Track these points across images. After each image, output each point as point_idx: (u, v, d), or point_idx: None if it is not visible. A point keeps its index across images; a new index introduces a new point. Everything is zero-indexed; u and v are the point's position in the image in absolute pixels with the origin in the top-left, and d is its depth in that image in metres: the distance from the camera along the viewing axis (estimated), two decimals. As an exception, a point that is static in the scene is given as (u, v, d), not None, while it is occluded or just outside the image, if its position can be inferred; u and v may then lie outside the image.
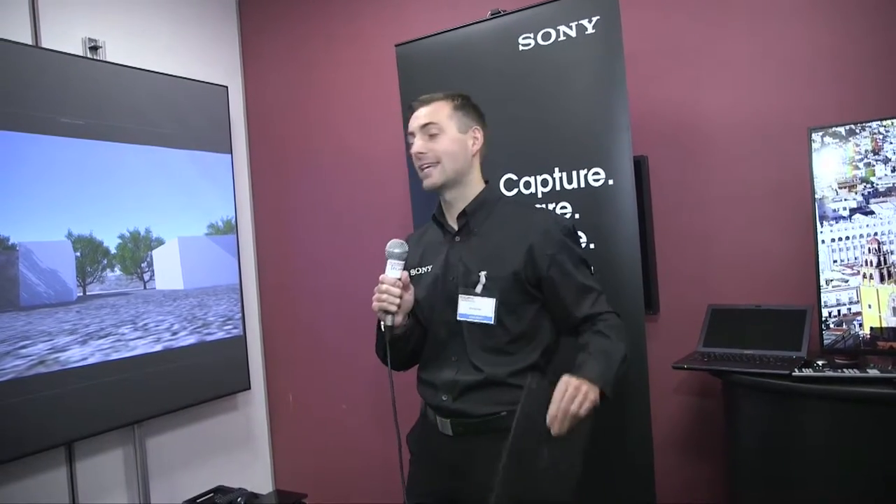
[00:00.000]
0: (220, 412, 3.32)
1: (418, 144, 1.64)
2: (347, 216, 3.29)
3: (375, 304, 1.58)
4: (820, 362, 1.90)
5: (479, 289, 1.58)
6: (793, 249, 2.26)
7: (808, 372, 1.84)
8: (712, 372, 2.10)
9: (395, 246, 1.60)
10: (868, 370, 1.80)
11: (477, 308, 1.56)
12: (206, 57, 3.36)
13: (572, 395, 1.37)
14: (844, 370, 1.82)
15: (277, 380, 3.60)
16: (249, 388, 3.33)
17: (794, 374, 1.85)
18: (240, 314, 3.28)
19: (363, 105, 3.20)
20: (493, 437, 1.50)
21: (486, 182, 1.77)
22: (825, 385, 1.80)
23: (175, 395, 2.94)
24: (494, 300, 1.57)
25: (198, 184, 3.12)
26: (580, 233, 2.24)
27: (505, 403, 1.55)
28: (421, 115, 1.67)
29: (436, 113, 1.66)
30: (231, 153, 3.28)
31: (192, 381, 3.02)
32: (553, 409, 1.37)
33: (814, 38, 2.25)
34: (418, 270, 1.68)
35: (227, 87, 3.27)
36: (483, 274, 1.58)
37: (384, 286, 1.58)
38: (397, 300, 1.57)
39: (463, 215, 1.68)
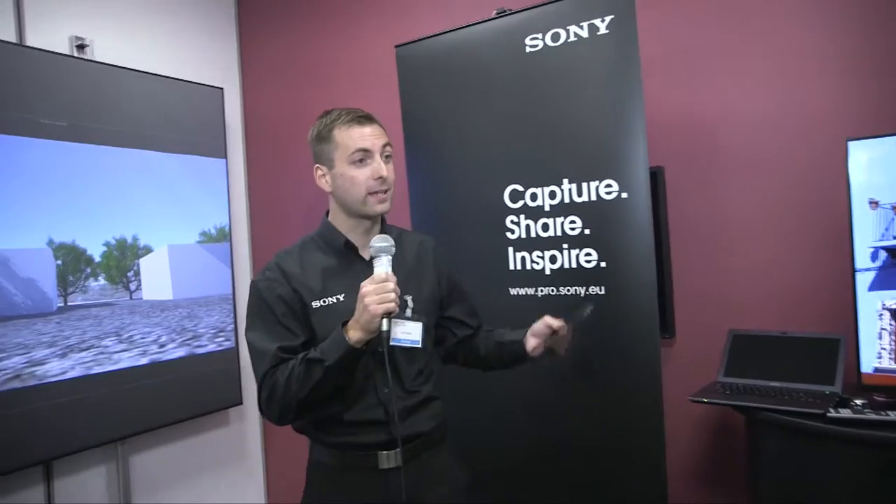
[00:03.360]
0: (211, 428, 3.18)
1: (385, 168, 1.52)
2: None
3: (381, 307, 1.36)
4: (859, 401, 1.69)
5: (408, 313, 1.54)
6: (823, 271, 2.07)
7: (845, 412, 1.65)
8: (735, 407, 1.90)
9: (382, 240, 1.44)
10: (914, 413, 1.61)
11: (408, 332, 1.52)
12: (202, 58, 3.22)
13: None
14: (889, 412, 1.62)
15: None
16: (242, 402, 3.18)
17: (829, 414, 1.65)
18: (232, 325, 3.14)
19: (364, 108, 3.03)
20: (438, 450, 1.59)
21: None
22: (865, 429, 1.60)
23: (162, 410, 2.80)
24: (421, 323, 1.54)
25: (190, 189, 2.98)
26: (591, 249, 2.07)
27: (440, 416, 1.62)
28: (378, 134, 1.54)
29: (385, 135, 1.57)
30: (226, 157, 3.14)
31: (180, 396, 2.87)
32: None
33: (850, 39, 2.05)
34: (324, 301, 1.50)
35: (222, 88, 3.13)
36: (409, 298, 1.54)
37: (390, 284, 1.39)
38: (395, 296, 1.41)
39: None
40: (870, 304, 1.79)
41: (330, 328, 1.46)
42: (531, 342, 1.62)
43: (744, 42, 2.22)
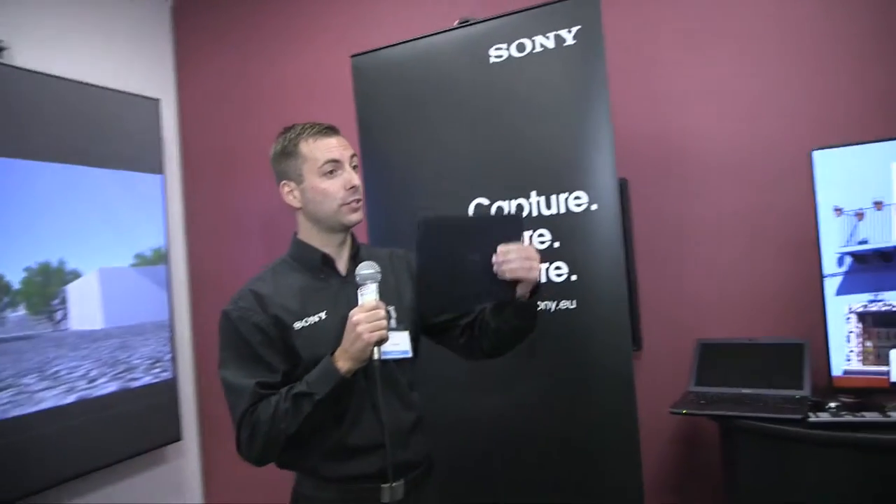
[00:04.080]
0: (146, 468, 2.92)
1: (356, 178, 1.51)
2: (294, 244, 2.99)
3: (374, 335, 1.33)
4: (833, 404, 1.73)
5: (393, 323, 1.47)
6: (786, 278, 2.13)
7: (824, 416, 1.67)
8: (714, 417, 1.90)
9: (368, 267, 1.39)
10: (890, 413, 1.64)
11: (396, 343, 1.46)
12: (135, 66, 3.02)
13: (533, 256, 1.39)
14: (863, 413, 1.65)
15: (214, 427, 3.22)
16: (181, 438, 2.94)
17: (810, 418, 1.67)
18: (170, 355, 2.91)
19: (313, 119, 2.93)
20: (432, 479, 1.54)
21: None
22: (844, 431, 1.63)
23: (92, 453, 2.54)
24: (408, 332, 1.50)
25: (123, 208, 2.76)
26: (561, 263, 2.04)
27: (430, 439, 1.56)
28: (345, 145, 1.53)
29: (349, 146, 1.55)
30: (163, 174, 2.93)
31: (112, 436, 2.62)
32: (516, 248, 1.37)
33: (814, 53, 2.14)
34: (306, 321, 1.45)
35: (159, 100, 2.93)
36: (392, 308, 1.48)
37: (381, 311, 1.35)
38: (386, 324, 1.37)
39: (354, 257, 1.55)
40: (837, 309, 1.85)
41: (315, 348, 1.41)
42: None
43: (708, 54, 2.27)
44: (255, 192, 3.11)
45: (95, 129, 2.66)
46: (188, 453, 3.14)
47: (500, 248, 1.38)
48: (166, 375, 2.88)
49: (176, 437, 2.92)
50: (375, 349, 1.34)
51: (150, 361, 2.82)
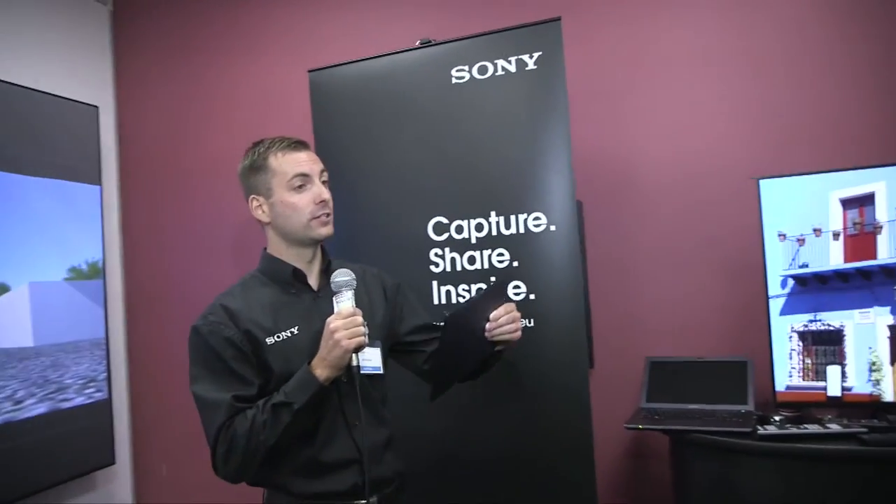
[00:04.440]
0: (74, 495, 2.74)
1: (326, 192, 1.51)
2: (239, 258, 2.90)
3: (353, 342, 1.33)
4: (777, 417, 1.84)
5: (365, 340, 1.46)
6: (732, 299, 2.24)
7: (772, 429, 1.78)
8: (667, 431, 1.97)
9: (344, 274, 1.40)
10: (828, 425, 1.76)
11: (368, 359, 1.47)
12: (72, 71, 2.87)
13: (518, 317, 1.49)
14: (806, 426, 1.76)
15: (148, 450, 3.07)
16: (114, 462, 2.79)
17: (758, 431, 1.76)
18: (105, 374, 2.76)
19: (264, 134, 2.87)
20: (405, 496, 1.54)
21: None
22: (790, 443, 1.73)
23: (17, 479, 2.37)
24: (379, 349, 1.52)
25: (57, 219, 2.61)
26: (520, 282, 2.07)
27: (402, 455, 1.56)
28: (314, 159, 1.53)
29: (319, 160, 1.55)
30: (100, 184, 2.80)
31: (40, 461, 2.46)
32: (504, 312, 1.47)
33: (760, 87, 2.27)
34: (278, 337, 1.43)
35: (97, 107, 2.80)
36: (365, 325, 1.45)
37: (358, 318, 1.35)
38: (364, 330, 1.37)
39: (325, 271, 1.54)
40: (781, 328, 1.96)
41: (287, 363, 1.40)
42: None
43: (661, 85, 2.38)
44: (197, 205, 3.02)
45: (29, 135, 2.52)
46: (121, 478, 2.98)
47: (493, 315, 1.46)
48: (100, 396, 2.73)
49: (109, 461, 2.76)
50: (354, 356, 1.34)
51: (83, 381, 2.66)
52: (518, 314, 1.49)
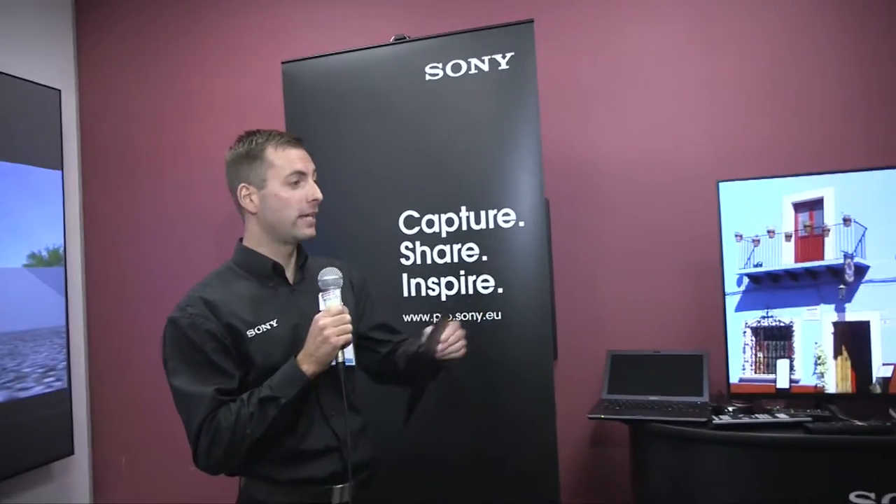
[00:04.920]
0: (30, 487, 2.69)
1: (319, 192, 1.53)
2: (201, 247, 2.87)
3: (341, 339, 1.38)
4: (730, 408, 1.94)
5: None
6: (690, 295, 2.34)
7: (726, 418, 1.87)
8: (627, 421, 2.06)
9: (332, 273, 1.44)
10: (777, 414, 1.87)
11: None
12: (32, 52, 2.79)
13: (463, 335, 1.61)
14: (756, 415, 1.87)
15: (107, 441, 3.03)
16: (73, 452, 2.74)
17: (714, 420, 1.86)
18: (64, 363, 2.71)
19: (233, 124, 2.84)
20: (378, 480, 1.59)
21: None
22: (742, 432, 1.83)
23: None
24: (350, 343, 1.54)
25: (16, 205, 2.55)
26: (488, 276, 2.12)
27: (374, 442, 1.61)
28: (309, 158, 1.55)
29: (312, 160, 1.56)
30: (62, 169, 2.73)
31: (-4, 451, 2.40)
32: (452, 332, 1.58)
33: (722, 92, 2.37)
34: (259, 329, 1.45)
35: (59, 90, 2.74)
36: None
37: (347, 316, 1.41)
38: (351, 328, 1.42)
39: (302, 267, 1.59)
40: (736, 324, 2.07)
41: (268, 356, 1.44)
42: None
43: (629, 89, 2.45)
44: (159, 192, 2.98)
45: (-14, 117, 2.45)
46: (79, 469, 2.93)
47: (443, 336, 1.56)
48: (59, 385, 2.68)
49: (68, 451, 2.71)
50: (340, 352, 1.39)
51: (42, 370, 2.61)
52: (463, 332, 1.61)
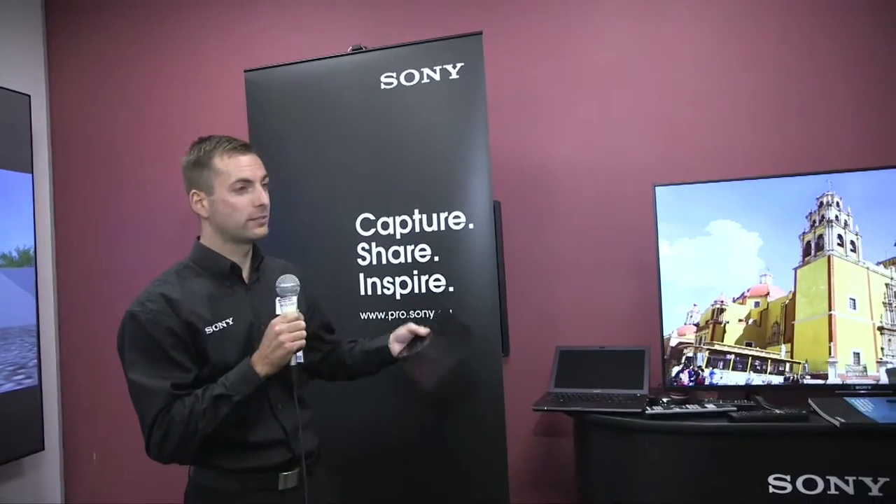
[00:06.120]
0: (2, 480, 2.76)
1: (265, 197, 1.59)
2: (171, 245, 2.93)
3: (295, 344, 1.47)
4: (665, 399, 2.06)
5: None
6: (633, 293, 2.46)
7: (658, 409, 1.99)
8: (568, 412, 2.17)
9: (290, 280, 1.51)
10: (706, 405, 1.99)
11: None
12: (5, 59, 2.87)
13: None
14: (687, 406, 1.99)
15: (78, 437, 3.10)
16: (43, 448, 2.81)
17: (647, 411, 1.97)
18: (35, 361, 2.78)
19: (199, 128, 2.92)
20: (321, 467, 1.67)
21: None
22: (674, 421, 1.95)
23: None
24: None
25: (-13, 207, 2.62)
26: (440, 275, 2.22)
27: (317, 432, 1.69)
28: (256, 165, 1.58)
29: (262, 165, 1.61)
30: (32, 172, 2.81)
31: (-33, 447, 2.48)
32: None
33: (659, 101, 2.49)
34: (216, 327, 1.51)
35: (29, 95, 2.81)
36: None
37: (301, 322, 1.49)
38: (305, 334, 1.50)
39: (258, 267, 1.65)
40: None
41: (224, 353, 1.50)
42: (395, 347, 1.79)
43: (575, 96, 2.57)
44: (128, 195, 3.06)
45: (-43, 122, 2.52)
46: (49, 464, 3.00)
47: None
48: (30, 382, 2.75)
49: (38, 447, 2.79)
50: (293, 356, 1.48)
51: (12, 368, 2.68)
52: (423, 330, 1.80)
